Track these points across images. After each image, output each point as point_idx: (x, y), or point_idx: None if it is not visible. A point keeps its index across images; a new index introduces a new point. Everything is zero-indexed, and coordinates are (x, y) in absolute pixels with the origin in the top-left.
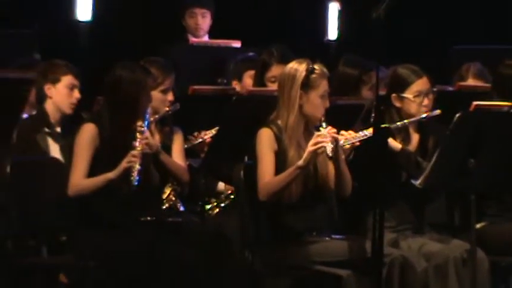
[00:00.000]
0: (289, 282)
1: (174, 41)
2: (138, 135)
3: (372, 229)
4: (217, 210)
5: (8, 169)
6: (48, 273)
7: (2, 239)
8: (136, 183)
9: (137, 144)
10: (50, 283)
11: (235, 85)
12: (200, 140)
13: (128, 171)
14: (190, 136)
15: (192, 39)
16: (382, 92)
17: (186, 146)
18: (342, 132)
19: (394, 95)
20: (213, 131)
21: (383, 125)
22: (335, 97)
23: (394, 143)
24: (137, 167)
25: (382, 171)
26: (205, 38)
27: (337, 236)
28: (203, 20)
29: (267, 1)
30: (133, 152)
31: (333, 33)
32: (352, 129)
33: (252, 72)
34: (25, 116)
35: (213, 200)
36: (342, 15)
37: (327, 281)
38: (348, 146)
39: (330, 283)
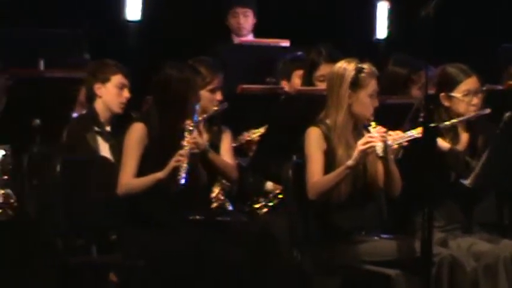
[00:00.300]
0: (338, 282)
1: (222, 40)
2: (186, 134)
3: (421, 229)
4: (266, 209)
5: (58, 168)
6: (97, 272)
7: (52, 238)
8: (183, 182)
9: (185, 143)
10: (100, 282)
11: (284, 85)
12: (248, 138)
13: (176, 170)
14: (239, 135)
15: (241, 39)
16: (431, 91)
17: (234, 144)
18: (390, 132)
19: (442, 94)
20: (262, 130)
21: (432, 125)
22: (384, 96)
23: (443, 143)
24: (185, 166)
25: (431, 170)
26: (250, 37)
27: (386, 236)
28: (245, 19)
29: (316, 0)
30: (182, 151)
31: (381, 32)
32: (400, 129)
33: (300, 72)
34: (75, 115)
35: (261, 199)
36: (391, 14)
37: (376, 280)
38: (395, 146)
39: (379, 283)
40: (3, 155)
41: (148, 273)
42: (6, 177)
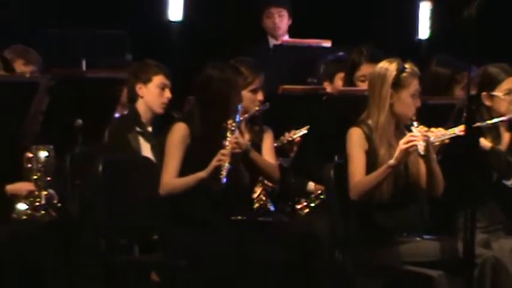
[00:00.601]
0: (380, 282)
1: (260, 41)
2: (228, 134)
3: (463, 229)
4: (307, 210)
5: (100, 168)
6: (139, 271)
7: (95, 238)
8: (224, 182)
9: (227, 143)
10: (142, 281)
11: (327, 86)
12: (290, 139)
13: (217, 170)
14: (281, 136)
15: (283, 39)
16: (473, 92)
17: (276, 145)
18: (432, 129)
19: (484, 93)
20: (303, 130)
21: (474, 124)
22: (426, 96)
23: (485, 142)
24: (227, 166)
25: (473, 170)
26: (285, 38)
27: (428, 237)
28: (280, 19)
29: (358, 0)
30: (223, 151)
31: (423, 32)
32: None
33: (343, 74)
34: (117, 115)
35: (303, 200)
36: (433, 14)
37: (418, 281)
38: (437, 144)
39: (420, 284)
40: (46, 156)
41: (190, 273)
42: (49, 178)
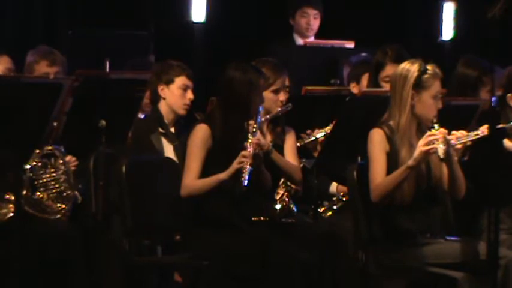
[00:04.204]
0: (403, 284)
1: (285, 42)
2: (249, 135)
3: (486, 231)
4: (330, 213)
5: (124, 169)
6: (163, 272)
7: (118, 238)
8: (246, 183)
9: (248, 144)
10: (165, 282)
11: (353, 87)
12: (313, 138)
13: (239, 171)
14: (303, 134)
15: (306, 40)
16: (498, 93)
17: (298, 144)
18: (453, 132)
19: (509, 94)
20: (326, 129)
21: (499, 126)
22: (449, 97)
23: (509, 144)
24: (248, 167)
25: (497, 172)
26: (311, 39)
27: (452, 238)
28: (315, 21)
29: (382, 1)
30: (245, 153)
31: (447, 33)
32: (465, 130)
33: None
34: (142, 116)
35: (326, 202)
36: (457, 15)
37: (441, 283)
38: (459, 146)
39: (444, 285)
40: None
41: (213, 274)
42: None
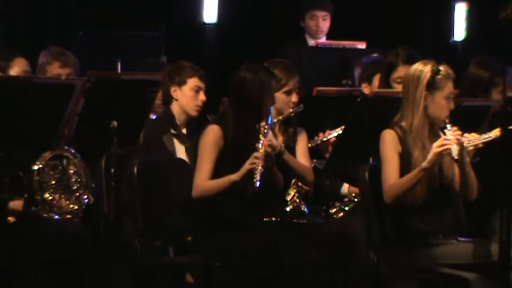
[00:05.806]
0: (415, 284)
1: (296, 42)
2: (261, 136)
3: (498, 232)
4: (341, 214)
5: (135, 170)
6: (174, 273)
7: (130, 239)
8: (258, 185)
9: (260, 145)
10: (177, 283)
11: (365, 88)
12: (324, 139)
13: (250, 172)
14: (315, 137)
15: (318, 41)
16: (510, 94)
17: (310, 145)
18: (466, 134)
19: None
20: (338, 131)
21: (510, 127)
22: (461, 98)
23: None
24: (260, 168)
25: (509, 172)
26: (323, 40)
27: (464, 239)
28: (324, 22)
29: (393, 2)
30: (256, 154)
31: (459, 34)
32: (477, 132)
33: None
34: (154, 117)
35: (337, 203)
36: (469, 15)
37: (453, 284)
38: (471, 148)
39: (456, 286)
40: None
41: (224, 274)
42: (85, 180)
